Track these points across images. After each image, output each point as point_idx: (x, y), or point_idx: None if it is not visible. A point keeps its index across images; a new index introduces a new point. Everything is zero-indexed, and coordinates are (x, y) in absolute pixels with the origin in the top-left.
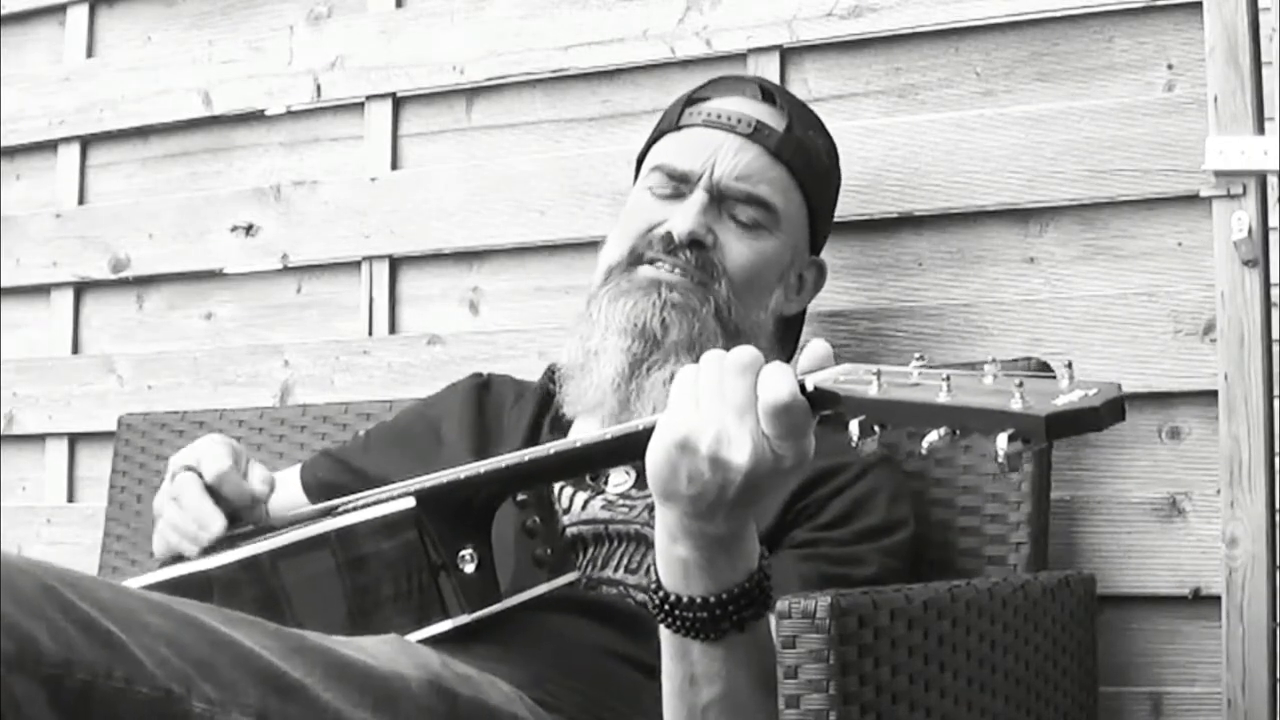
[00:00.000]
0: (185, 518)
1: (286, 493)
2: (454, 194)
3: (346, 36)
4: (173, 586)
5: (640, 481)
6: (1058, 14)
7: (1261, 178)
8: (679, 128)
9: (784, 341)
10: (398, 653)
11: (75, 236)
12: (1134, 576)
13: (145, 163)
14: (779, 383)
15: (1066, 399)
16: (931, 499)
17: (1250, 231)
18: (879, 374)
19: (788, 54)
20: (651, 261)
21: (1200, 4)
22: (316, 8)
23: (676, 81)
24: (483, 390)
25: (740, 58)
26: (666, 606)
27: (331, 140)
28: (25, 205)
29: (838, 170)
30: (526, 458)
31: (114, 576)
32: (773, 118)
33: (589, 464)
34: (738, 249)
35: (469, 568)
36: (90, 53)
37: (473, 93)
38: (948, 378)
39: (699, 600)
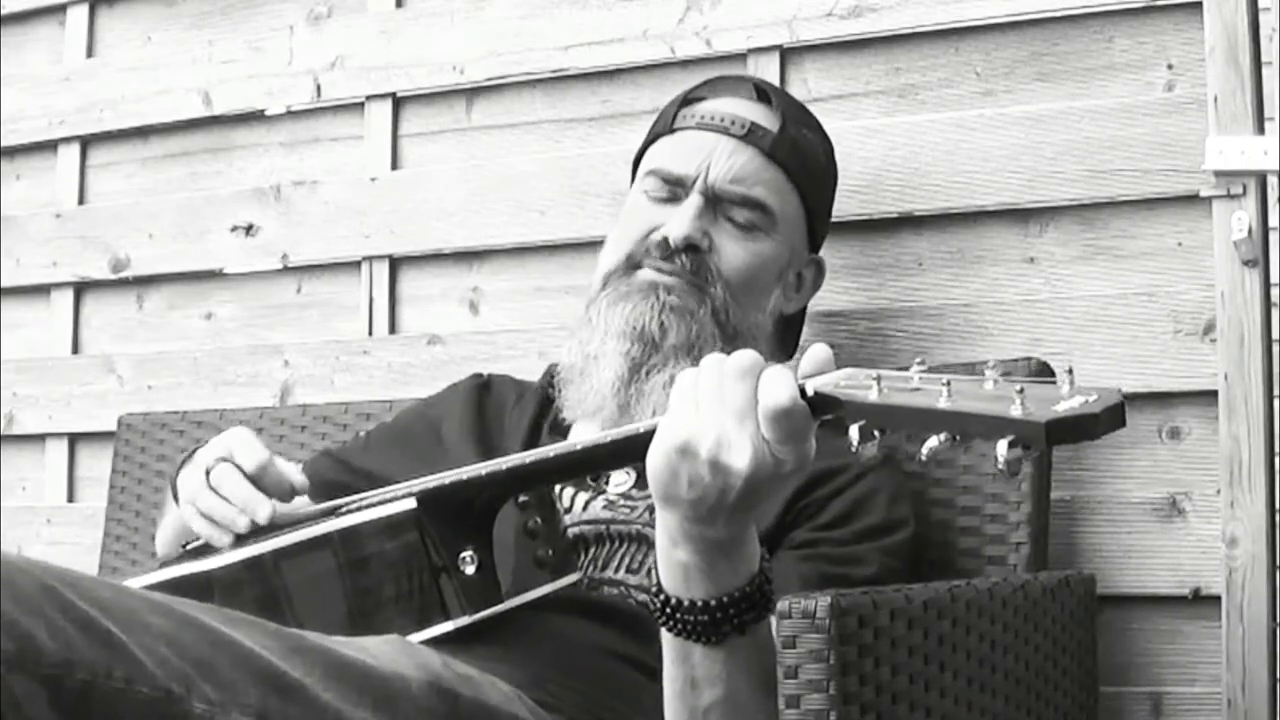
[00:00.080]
0: (225, 506)
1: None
2: (454, 194)
3: (346, 36)
4: (173, 586)
5: (641, 481)
6: (1058, 14)
7: (1261, 178)
8: (673, 130)
9: (784, 340)
10: (398, 653)
11: (75, 236)
12: (1134, 576)
13: (145, 163)
14: (779, 387)
15: (1067, 405)
16: (931, 499)
17: (1250, 231)
18: (879, 379)
19: (788, 54)
20: (651, 266)
21: (1200, 4)
22: (316, 8)
23: (676, 81)
24: (483, 391)
25: (740, 58)
26: (668, 610)
27: (331, 140)
28: (25, 205)
29: (834, 167)
30: (528, 459)
31: (114, 576)
32: (767, 118)
33: (590, 466)
34: (734, 252)
35: (470, 569)
36: (90, 53)
37: (473, 93)
38: (948, 383)
39: (700, 604)
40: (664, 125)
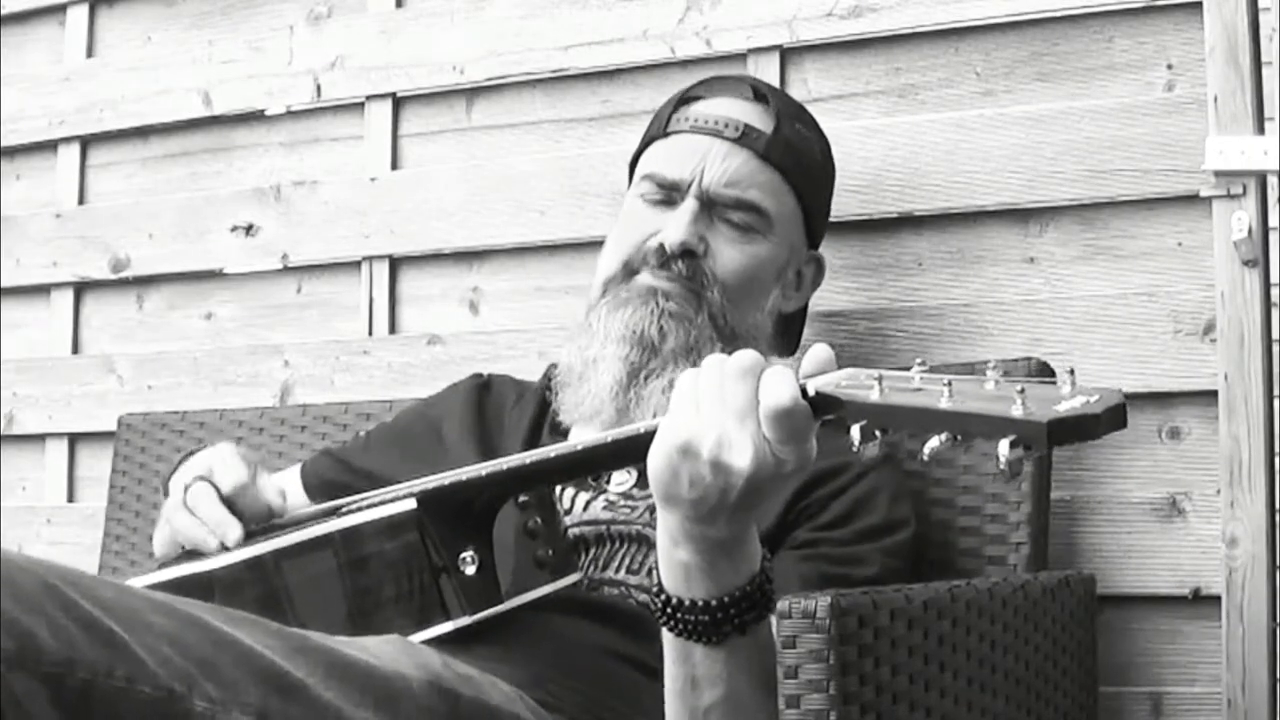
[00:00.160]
0: (197, 527)
1: (288, 492)
2: (454, 194)
3: (346, 36)
4: (175, 586)
5: (642, 481)
6: (1058, 14)
7: (1261, 178)
8: (667, 134)
9: (786, 338)
10: (399, 653)
11: (75, 236)
12: (1134, 576)
13: (145, 163)
14: (780, 387)
15: (1068, 405)
16: (931, 499)
17: (1250, 231)
18: (880, 379)
19: (788, 54)
20: (648, 272)
21: (1200, 4)
22: (316, 8)
23: (676, 81)
24: (483, 391)
25: (740, 58)
26: (668, 610)
27: (331, 140)
28: (25, 205)
29: (831, 164)
30: (528, 459)
31: (114, 576)
32: (761, 119)
33: (590, 466)
34: (730, 255)
35: (470, 569)
36: (90, 53)
37: (473, 93)
38: (949, 383)
39: (701, 603)
40: (658, 128)
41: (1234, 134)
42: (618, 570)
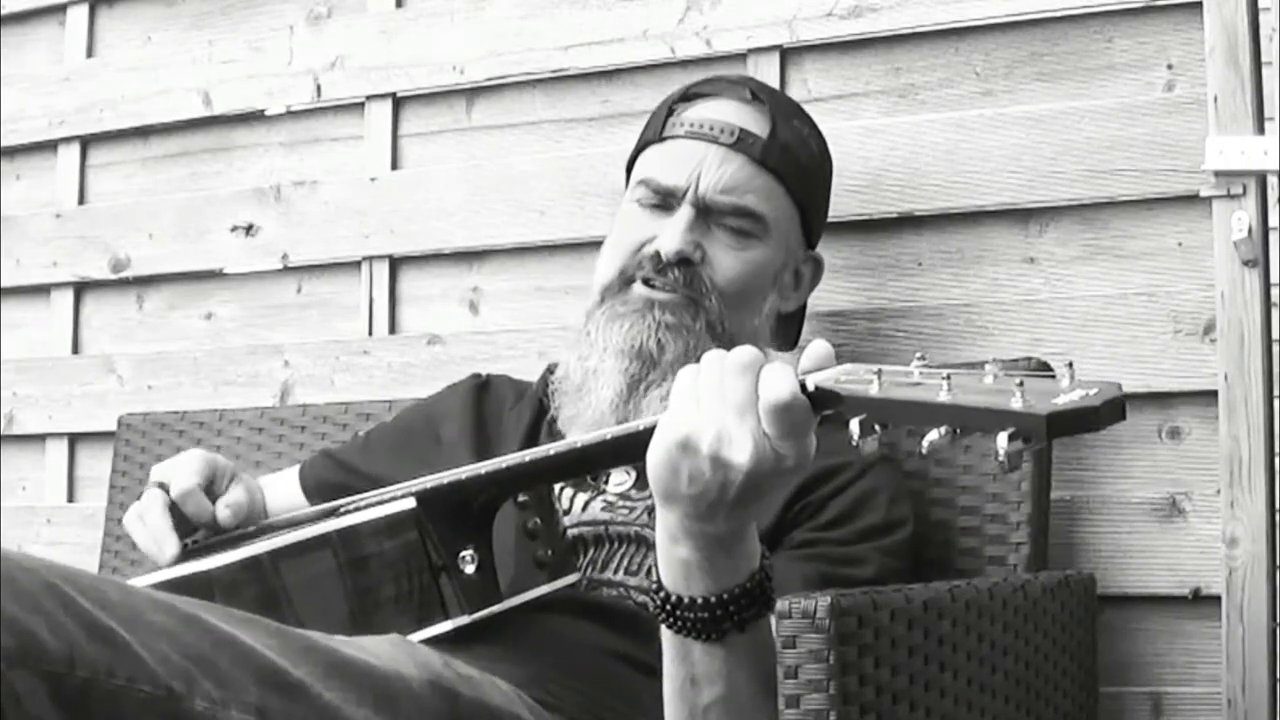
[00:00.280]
0: (147, 536)
1: (286, 493)
2: (454, 194)
3: (346, 36)
4: (173, 586)
5: (640, 482)
6: (1058, 14)
7: (1261, 178)
8: (663, 139)
9: (785, 337)
10: (399, 652)
11: (75, 236)
12: (1134, 576)
13: (145, 163)
14: (780, 382)
15: (1067, 398)
16: (931, 499)
17: (1250, 231)
18: (880, 373)
19: (788, 54)
20: (645, 281)
21: (1200, 4)
22: (316, 8)
23: (676, 81)
24: (482, 391)
25: (740, 58)
26: (668, 607)
27: (331, 140)
28: (25, 205)
29: (828, 162)
30: (527, 459)
31: (114, 576)
32: (756, 122)
33: (590, 464)
34: (727, 262)
35: (469, 569)
36: (90, 53)
37: (473, 93)
38: (948, 376)
39: (700, 600)
40: (654, 133)
41: (1234, 134)
42: (616, 571)
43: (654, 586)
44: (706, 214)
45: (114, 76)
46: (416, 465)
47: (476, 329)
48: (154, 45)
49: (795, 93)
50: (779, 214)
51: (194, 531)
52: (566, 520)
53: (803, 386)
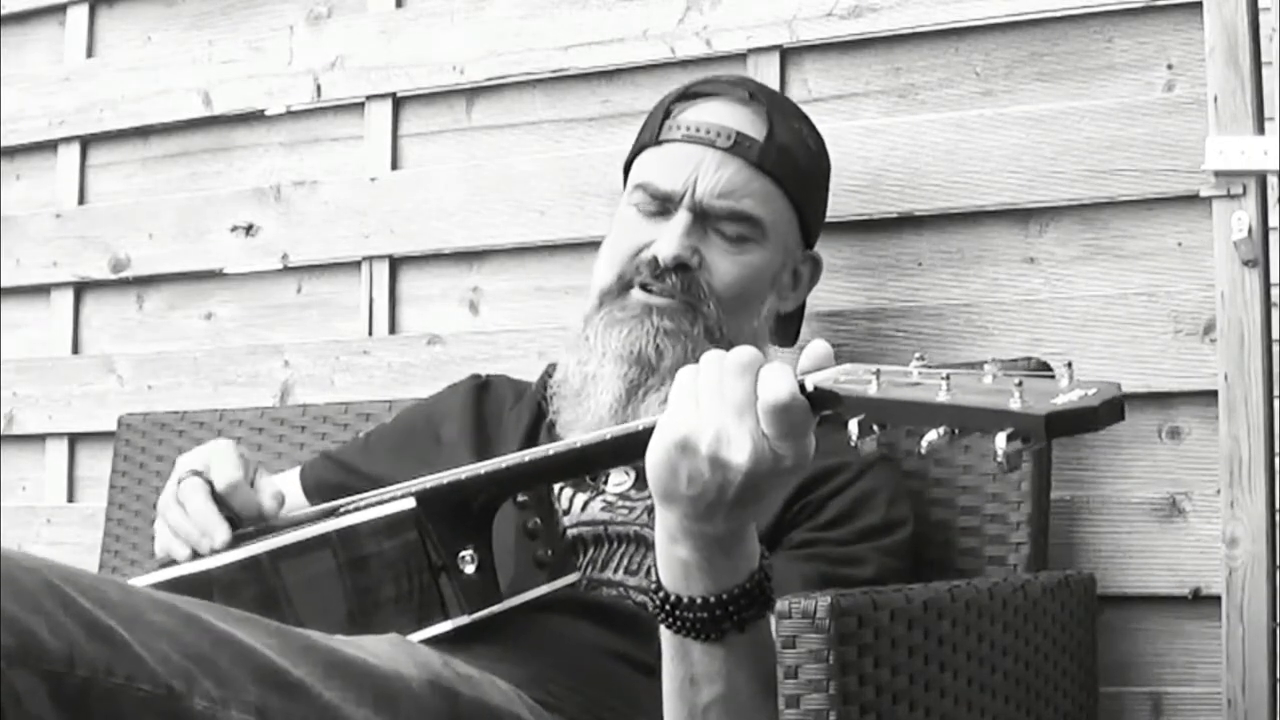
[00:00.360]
0: (189, 524)
1: (285, 494)
2: (454, 194)
3: (346, 36)
4: (173, 586)
5: (640, 482)
6: (1058, 14)
7: (1261, 178)
8: (659, 142)
9: (784, 335)
10: (398, 652)
11: (75, 236)
12: (1134, 576)
13: (145, 163)
14: (778, 382)
15: (1066, 398)
16: (931, 499)
17: (1250, 231)
18: (878, 373)
19: (788, 54)
20: (642, 286)
21: (1200, 4)
22: (316, 8)
23: (676, 81)
24: (482, 391)
25: (740, 58)
26: (667, 607)
27: (331, 140)
28: (25, 205)
29: (826, 161)
30: (526, 459)
31: (114, 576)
32: (752, 125)
33: (589, 465)
34: (725, 267)
35: (469, 569)
36: (90, 53)
37: (473, 93)
38: (947, 377)
39: (699, 601)
40: (650, 136)
41: (1234, 134)
42: (616, 571)
43: (653, 587)
44: (704, 218)
45: (114, 76)
46: (416, 465)
47: (476, 329)
48: (154, 45)
49: (795, 93)
50: (777, 217)
51: (238, 523)
52: (566, 520)
53: (801, 387)
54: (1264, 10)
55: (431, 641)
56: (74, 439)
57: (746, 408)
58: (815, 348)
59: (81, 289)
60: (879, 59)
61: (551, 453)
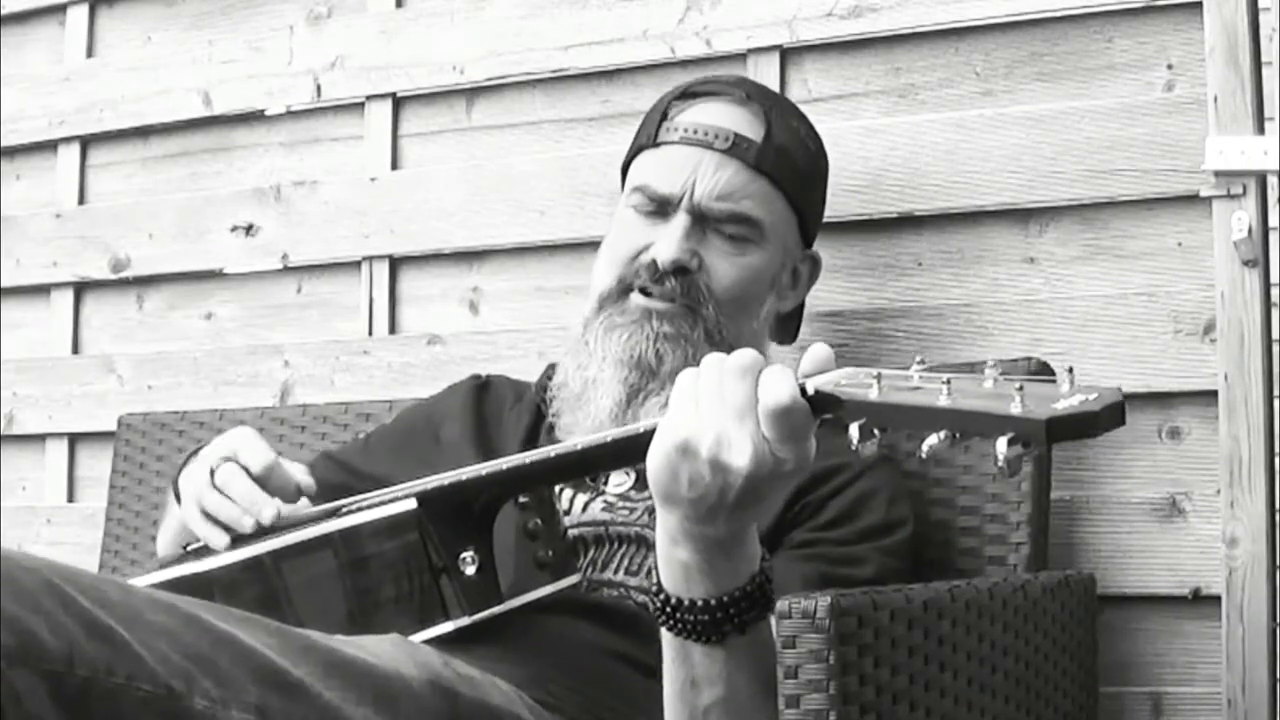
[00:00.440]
0: (230, 506)
1: None
2: (454, 194)
3: (346, 36)
4: (174, 587)
5: (640, 482)
6: (1058, 14)
7: (1261, 178)
8: (657, 144)
9: (784, 335)
10: (399, 652)
11: (75, 236)
12: (1134, 576)
13: (145, 163)
14: (779, 386)
15: (1066, 403)
16: (931, 499)
17: (1250, 231)
18: (879, 377)
19: (788, 54)
20: (642, 290)
21: (1200, 4)
22: (316, 8)
23: (676, 81)
24: (482, 391)
25: (740, 58)
26: (668, 609)
27: (331, 140)
28: (25, 205)
29: (824, 160)
30: (528, 459)
31: (114, 576)
32: (750, 126)
33: (590, 466)
34: (724, 269)
35: (470, 570)
36: (90, 53)
37: (473, 93)
38: (948, 380)
39: (700, 603)
40: (648, 137)
41: (1234, 134)
42: (616, 571)
43: (654, 589)
44: (703, 221)
45: (114, 76)
46: (417, 466)
47: (476, 329)
48: (154, 45)
49: (795, 93)
50: (775, 218)
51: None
52: (567, 521)
53: (802, 390)
54: (1264, 10)
55: (432, 642)
56: (74, 439)
57: (747, 411)
58: (816, 351)
59: (81, 289)
60: (879, 59)
61: (553, 454)
